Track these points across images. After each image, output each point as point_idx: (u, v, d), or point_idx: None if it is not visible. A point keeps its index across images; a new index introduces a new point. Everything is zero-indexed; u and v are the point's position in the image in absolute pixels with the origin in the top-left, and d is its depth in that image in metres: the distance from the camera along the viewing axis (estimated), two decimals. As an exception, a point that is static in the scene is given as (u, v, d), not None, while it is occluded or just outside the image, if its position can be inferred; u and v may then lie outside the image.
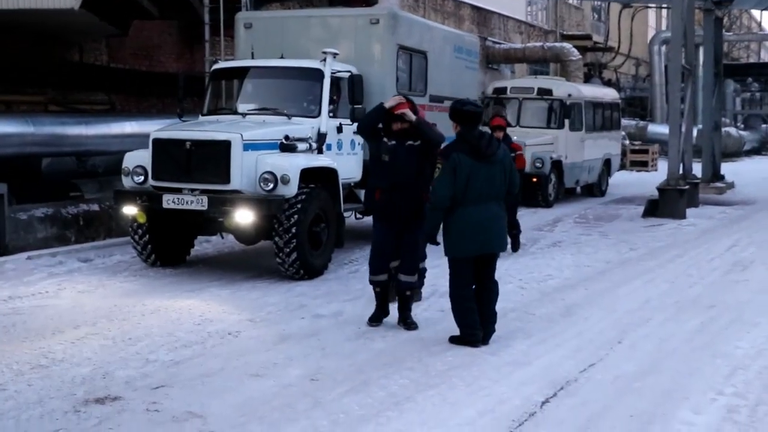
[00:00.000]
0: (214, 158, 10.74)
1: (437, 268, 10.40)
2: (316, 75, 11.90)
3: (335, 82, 11.99)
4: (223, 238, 12.74)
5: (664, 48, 44.12)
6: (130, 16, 18.75)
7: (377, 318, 8.69)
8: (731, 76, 46.51)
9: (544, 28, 41.61)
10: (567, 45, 34.58)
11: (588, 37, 42.74)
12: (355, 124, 11.03)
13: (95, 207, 15.05)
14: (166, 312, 9.24)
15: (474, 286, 8.04)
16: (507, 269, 11.43)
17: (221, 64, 12.99)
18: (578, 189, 23.34)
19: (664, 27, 54.79)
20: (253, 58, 12.81)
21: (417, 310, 9.32)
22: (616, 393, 6.60)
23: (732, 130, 45.08)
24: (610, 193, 24.11)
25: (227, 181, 10.68)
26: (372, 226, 8.75)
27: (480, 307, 8.01)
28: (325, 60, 11.91)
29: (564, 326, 8.72)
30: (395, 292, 8.73)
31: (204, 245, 13.56)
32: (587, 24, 47.02)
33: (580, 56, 33.93)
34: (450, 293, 8.12)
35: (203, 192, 10.78)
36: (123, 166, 11.51)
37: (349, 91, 11.84)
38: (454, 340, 8.06)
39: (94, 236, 14.83)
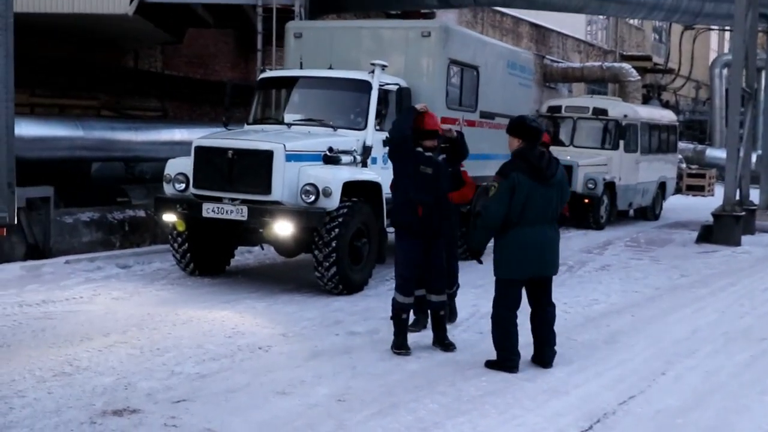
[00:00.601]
0: (255, 168, 10.58)
1: (480, 288, 10.14)
2: (364, 87, 11.69)
3: (383, 94, 11.78)
4: (263, 249, 12.58)
5: (725, 71, 43.22)
6: (185, 24, 18.77)
7: (404, 345, 8.22)
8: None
9: (603, 47, 41.12)
10: (626, 65, 34.11)
11: (648, 58, 42.17)
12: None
13: (141, 213, 15.02)
14: (198, 323, 9.06)
15: (531, 310, 7.90)
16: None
17: (268, 73, 12.84)
18: (631, 212, 22.87)
19: (726, 50, 53.87)
20: (301, 68, 12.64)
21: (455, 331, 9.09)
22: (656, 429, 6.25)
23: (793, 157, 44.05)
24: (664, 217, 23.59)
25: (268, 191, 10.50)
26: (397, 244, 8.32)
27: (539, 329, 7.85)
28: (373, 72, 11.70)
29: (606, 354, 8.38)
30: (426, 315, 8.53)
31: (245, 255, 13.41)
32: (647, 45, 46.41)
33: (639, 77, 33.42)
34: (493, 314, 7.85)
35: (244, 202, 10.62)
36: (165, 173, 11.42)
37: (397, 104, 11.63)
38: (489, 364, 7.79)
39: (139, 242, 14.82)
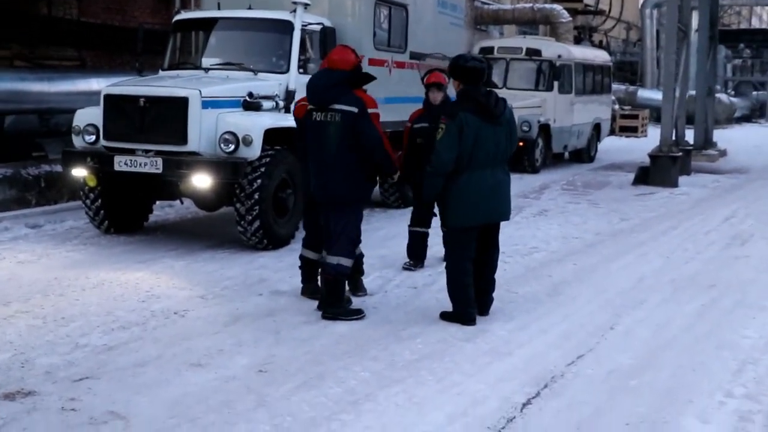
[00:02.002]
0: (169, 117, 9.79)
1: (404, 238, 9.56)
2: (286, 27, 10.90)
3: (306, 35, 11.02)
4: (183, 203, 11.81)
5: (655, 12, 43.16)
6: (99, -32, 17.72)
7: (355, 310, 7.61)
8: (723, 42, 45.51)
9: (534, -12, 40.44)
10: (557, 7, 33.52)
11: (579, 0, 41.62)
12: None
13: (58, 168, 14.08)
14: (110, 286, 8.33)
15: (474, 256, 7.40)
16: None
17: (183, 15, 11.96)
18: (566, 154, 22.47)
19: (656, -10, 53.82)
20: (219, 8, 11.80)
21: (388, 287, 8.50)
22: (610, 393, 5.70)
23: (723, 97, 44.14)
24: (599, 159, 23.23)
25: (184, 141, 9.73)
26: (356, 207, 7.57)
27: (479, 276, 7.42)
28: (295, 11, 10.92)
29: (550, 307, 7.83)
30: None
31: (165, 210, 12.64)
32: (578, -15, 45.87)
33: (570, 19, 32.91)
34: (447, 266, 7.39)
35: (158, 153, 9.84)
36: (73, 125, 10.58)
37: (321, 45, 10.89)
38: (446, 316, 7.34)
39: (57, 199, 13.94)
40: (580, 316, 7.57)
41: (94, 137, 10.33)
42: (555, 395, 5.62)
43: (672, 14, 18.99)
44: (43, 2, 18.68)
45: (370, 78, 7.41)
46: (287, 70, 10.71)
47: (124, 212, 11.02)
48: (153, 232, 11.26)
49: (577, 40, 38.80)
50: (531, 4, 35.27)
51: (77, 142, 10.51)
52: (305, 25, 10.96)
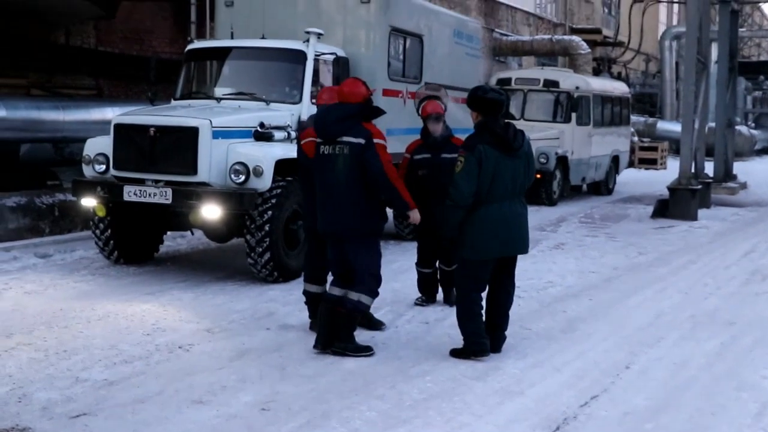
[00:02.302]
0: (179, 146, 9.68)
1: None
2: (299, 57, 10.81)
3: (319, 65, 10.90)
4: (193, 234, 11.67)
5: (675, 44, 42.99)
6: (117, -2, 17.75)
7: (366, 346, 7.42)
8: (743, 74, 45.20)
9: (553, 20, 40.48)
10: (576, 38, 33.62)
11: (598, 31, 41.60)
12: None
13: (73, 197, 14.03)
14: (116, 319, 8.18)
15: (488, 289, 7.34)
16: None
17: (196, 44, 11.88)
18: (584, 187, 22.24)
19: (675, 22, 53.69)
20: (232, 38, 11.72)
21: (399, 322, 8.31)
22: (624, 436, 5.50)
23: (743, 129, 43.81)
24: (618, 191, 23.00)
25: (194, 172, 9.61)
26: (373, 241, 7.37)
27: (494, 311, 7.31)
28: (308, 41, 10.82)
29: (564, 345, 7.62)
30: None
31: (177, 241, 12.51)
32: (597, 18, 45.81)
33: (589, 50, 32.90)
34: (458, 298, 7.30)
35: (168, 184, 9.73)
36: (84, 154, 10.50)
37: (334, 75, 10.76)
38: (456, 353, 7.17)
39: (71, 228, 13.83)
40: (595, 353, 7.35)
41: (104, 167, 10.24)
42: (567, 438, 5.41)
43: (691, 46, 18.82)
44: (60, 31, 18.73)
45: (380, 112, 7.26)
46: (300, 101, 10.62)
47: (135, 242, 10.91)
48: (163, 263, 11.12)
49: (596, 72, 38.72)
50: (550, 36, 35.32)
51: (87, 171, 10.43)
52: (318, 55, 10.86)
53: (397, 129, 11.44)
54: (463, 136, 8.20)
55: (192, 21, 16.95)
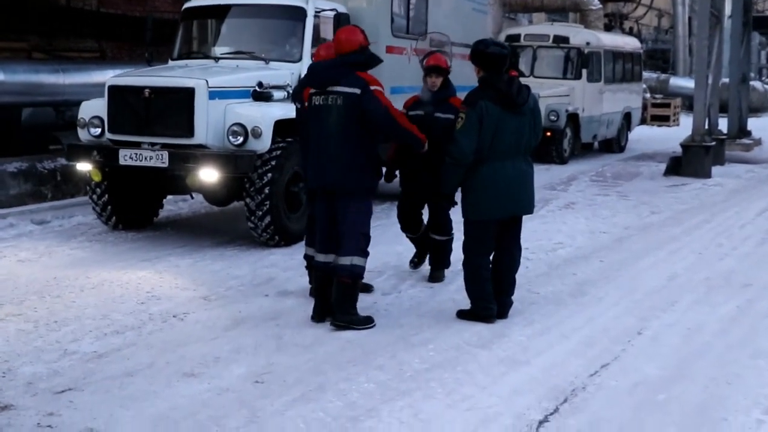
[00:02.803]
0: (175, 108, 9.37)
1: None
2: (299, 14, 10.46)
3: (320, 22, 10.56)
4: (193, 198, 11.38)
5: (687, -2, 42.31)
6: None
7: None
8: (756, 29, 44.48)
9: (563, -24, 39.73)
10: (587, -7, 33.01)
11: (609, -14, 40.86)
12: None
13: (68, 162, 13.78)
14: (110, 287, 7.92)
15: (493, 253, 7.07)
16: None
17: (193, 2, 11.50)
18: (596, 144, 21.86)
19: (689, -24, 52.88)
20: (232, -6, 11.37)
21: (403, 286, 8.04)
22: (635, 409, 5.19)
23: (757, 84, 43.17)
24: (630, 148, 22.59)
25: (190, 134, 9.31)
26: (366, 199, 6.99)
27: (499, 275, 7.03)
28: (307, -3, 10.49)
29: (573, 310, 7.33)
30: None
31: (179, 205, 12.22)
32: (608, -27, 45.09)
33: (601, 5, 32.31)
34: (465, 261, 7.01)
35: (164, 147, 9.42)
36: (78, 117, 10.18)
37: (335, 32, 10.38)
38: (463, 315, 6.99)
39: (74, 193, 13.60)
40: (605, 319, 7.06)
41: (99, 130, 9.93)
42: (575, 411, 5.12)
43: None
44: (61, -8, 18.42)
45: (376, 60, 6.89)
46: (300, 59, 10.27)
47: (133, 207, 10.64)
48: (163, 228, 10.86)
49: (608, 28, 38.15)
50: (561, -9, 34.74)
51: (83, 135, 10.13)
52: (318, 12, 10.51)
53: (402, 87, 11.06)
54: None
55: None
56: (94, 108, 10.02)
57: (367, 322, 6.72)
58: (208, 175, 9.23)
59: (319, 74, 6.77)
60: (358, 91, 6.54)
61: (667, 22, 49.60)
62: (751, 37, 26.51)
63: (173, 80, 9.54)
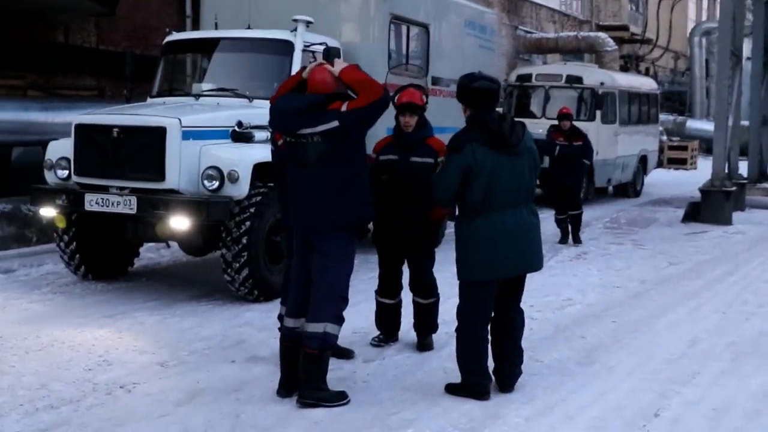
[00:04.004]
0: (145, 149, 8.56)
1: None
2: (285, 48, 9.67)
3: (309, 57, 9.74)
4: (170, 246, 10.54)
5: (704, 40, 41.59)
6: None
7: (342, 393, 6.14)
8: (776, 70, 43.73)
9: (578, 17, 39.20)
10: (602, 35, 32.48)
11: (625, 28, 40.29)
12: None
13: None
14: (60, 349, 7.05)
15: (493, 317, 6.18)
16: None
17: (174, 36, 10.73)
18: (610, 189, 20.95)
19: (704, 17, 52.24)
20: (217, 28, 10.60)
21: (388, 352, 7.13)
22: None
23: (777, 127, 42.25)
24: (646, 193, 21.69)
25: (161, 177, 8.48)
26: (347, 252, 5.98)
27: (501, 343, 6.17)
28: (296, 30, 9.67)
29: (581, 382, 6.38)
30: None
31: (161, 252, 11.36)
32: (624, 14, 44.42)
33: (616, 47, 31.69)
34: (459, 327, 6.11)
35: (133, 191, 8.60)
36: (45, 158, 9.38)
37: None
38: (453, 389, 6.08)
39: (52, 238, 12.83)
40: (617, 395, 6.10)
41: (66, 172, 9.14)
42: None
43: (725, 38, 17.51)
44: (59, 30, 17.78)
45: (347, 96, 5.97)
46: (286, 96, 9.41)
47: (105, 256, 9.79)
48: (138, 279, 10.01)
49: (624, 70, 37.46)
50: (575, 33, 34.09)
51: (49, 177, 9.35)
52: (308, 46, 9.70)
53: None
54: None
55: (188, 15, 15.87)
56: (62, 148, 9.23)
57: (339, 399, 5.78)
58: (179, 223, 8.38)
59: (284, 118, 5.85)
60: (336, 123, 5.65)
61: (683, 64, 48.88)
62: (770, 80, 25.63)
63: (143, 119, 8.73)
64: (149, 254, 11.09)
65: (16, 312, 8.32)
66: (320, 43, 9.73)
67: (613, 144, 19.29)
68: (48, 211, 9.14)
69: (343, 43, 10.39)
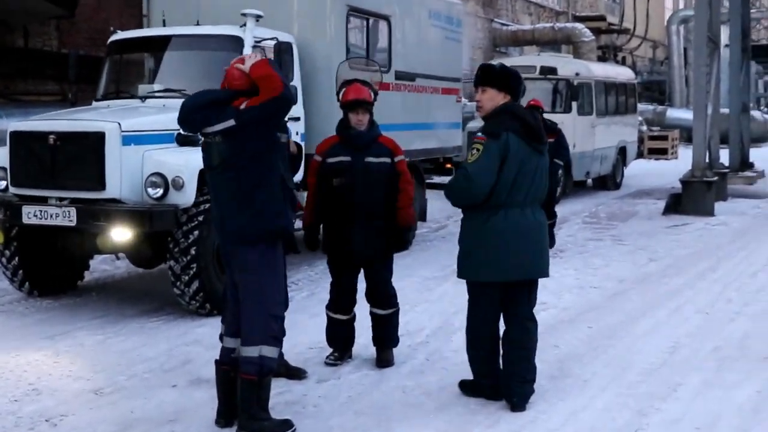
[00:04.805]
0: (84, 156, 7.98)
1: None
2: (234, 44, 9.09)
3: (259, 53, 9.18)
4: (118, 259, 9.95)
5: (682, 28, 41.17)
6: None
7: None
8: (755, 57, 43.36)
9: (554, 9, 38.78)
10: (579, 25, 32.27)
11: (602, 18, 39.91)
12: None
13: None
14: (-13, 377, 6.48)
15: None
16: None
17: (119, 35, 10.15)
18: (589, 181, 20.44)
19: (681, 5, 51.90)
20: (165, 26, 10.04)
21: (344, 369, 6.57)
22: None
23: (756, 114, 41.82)
24: (626, 185, 21.19)
25: (101, 186, 7.91)
26: (269, 265, 5.32)
27: (511, 354, 5.70)
28: (245, 25, 9.11)
29: (551, 400, 5.81)
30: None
31: (117, 264, 10.73)
32: (601, 5, 44.08)
33: (593, 37, 31.37)
34: (468, 328, 5.81)
35: (73, 201, 8.02)
36: (-17, 168, 8.77)
37: (276, 65, 8.99)
38: (466, 387, 5.85)
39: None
40: (591, 414, 5.55)
41: (4, 183, 8.53)
42: None
43: (701, 25, 17.01)
44: (18, 33, 17.17)
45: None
46: (236, 96, 8.84)
47: (51, 270, 9.20)
48: (87, 293, 9.43)
49: (602, 60, 37.06)
50: (552, 24, 33.67)
51: (-14, 189, 8.73)
52: (258, 41, 9.13)
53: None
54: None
55: (144, 14, 15.21)
56: (1, 158, 8.61)
57: (282, 428, 5.21)
58: (120, 234, 7.83)
59: (185, 115, 5.31)
60: (232, 122, 5.09)
61: (662, 53, 48.54)
62: (749, 66, 25.21)
63: (81, 124, 8.16)
64: (103, 266, 10.51)
65: (-52, 335, 7.74)
66: (271, 38, 9.17)
67: (590, 136, 18.78)
68: (-17, 225, 8.55)
69: (297, 38, 9.81)
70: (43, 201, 8.17)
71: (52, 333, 7.76)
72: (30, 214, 8.14)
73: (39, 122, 8.47)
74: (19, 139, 8.31)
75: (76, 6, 16.92)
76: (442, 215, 14.66)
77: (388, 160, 6.46)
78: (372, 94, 6.60)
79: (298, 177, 7.99)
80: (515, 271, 5.53)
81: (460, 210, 5.72)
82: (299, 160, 6.33)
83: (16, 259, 8.91)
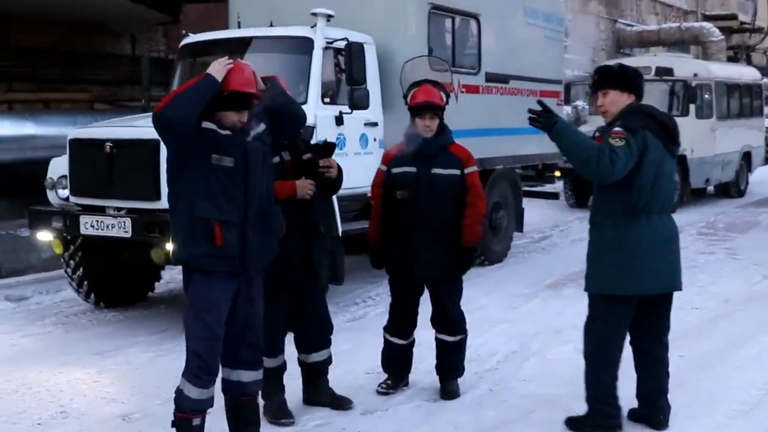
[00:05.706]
0: (138, 165, 7.61)
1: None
2: (304, 46, 8.62)
3: (333, 54, 8.71)
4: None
5: (822, 25, 39.11)
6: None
7: None
8: None
9: (682, 8, 37.34)
10: (706, 24, 30.85)
11: (733, 17, 38.27)
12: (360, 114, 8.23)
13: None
14: (22, 396, 6.19)
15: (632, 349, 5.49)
16: (562, 312, 8.05)
17: (191, 38, 9.81)
18: (710, 189, 19.29)
19: (821, 3, 49.47)
20: (240, 27, 9.68)
21: (394, 401, 5.98)
22: None
23: None
24: (751, 192, 19.91)
25: (156, 196, 7.50)
26: (192, 295, 4.73)
27: (645, 384, 5.41)
28: (315, 25, 8.63)
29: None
30: None
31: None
32: (733, 3, 42.32)
33: (722, 37, 29.91)
34: (586, 349, 5.30)
35: (130, 212, 7.67)
36: (47, 176, 8.54)
37: (346, 67, 8.49)
38: (574, 425, 5.31)
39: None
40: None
41: (66, 192, 8.27)
42: None
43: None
44: (126, 40, 17.25)
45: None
46: (305, 101, 8.36)
47: (118, 281, 8.93)
48: (156, 306, 9.15)
49: (733, 61, 35.47)
50: (678, 24, 32.34)
51: (51, 197, 8.51)
52: (330, 42, 8.64)
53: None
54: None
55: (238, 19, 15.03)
56: (63, 166, 8.35)
57: None
58: (174, 247, 7.39)
59: None
60: (212, 125, 4.77)
61: (799, 53, 46.22)
62: None
63: (137, 131, 7.79)
64: (180, 276, 10.16)
65: (1, 348, 7.47)
66: (342, 39, 8.65)
67: (710, 140, 17.66)
68: (44, 235, 8.29)
69: (376, 38, 9.26)
70: (101, 211, 7.86)
71: (103, 349, 7.42)
72: (87, 225, 7.85)
73: (97, 129, 8.20)
74: (77, 147, 8.04)
75: (180, 12, 16.83)
76: (546, 224, 13.90)
77: (457, 171, 5.86)
78: (443, 97, 5.99)
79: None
80: (652, 282, 5.13)
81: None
82: (337, 182, 5.74)
83: (81, 269, 8.68)
